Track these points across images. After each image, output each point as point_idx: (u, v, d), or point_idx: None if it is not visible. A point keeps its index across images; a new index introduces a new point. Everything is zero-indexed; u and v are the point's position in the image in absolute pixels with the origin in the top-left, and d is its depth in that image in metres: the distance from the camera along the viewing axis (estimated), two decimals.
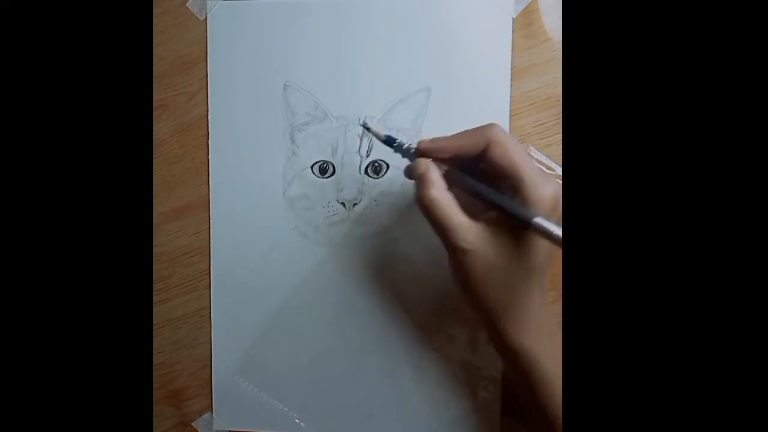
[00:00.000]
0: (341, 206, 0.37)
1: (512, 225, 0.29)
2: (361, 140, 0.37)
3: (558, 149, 0.36)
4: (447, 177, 0.30)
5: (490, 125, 0.30)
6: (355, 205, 0.37)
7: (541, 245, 0.29)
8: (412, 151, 0.31)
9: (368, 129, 0.33)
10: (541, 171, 0.30)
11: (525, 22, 0.36)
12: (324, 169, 0.37)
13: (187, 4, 0.38)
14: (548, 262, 0.30)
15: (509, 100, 0.36)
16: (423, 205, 0.29)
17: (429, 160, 0.30)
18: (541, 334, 0.30)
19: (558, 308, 0.36)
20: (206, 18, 0.38)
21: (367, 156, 0.37)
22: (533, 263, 0.29)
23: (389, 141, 0.32)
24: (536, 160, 0.36)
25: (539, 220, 0.27)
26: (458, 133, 0.30)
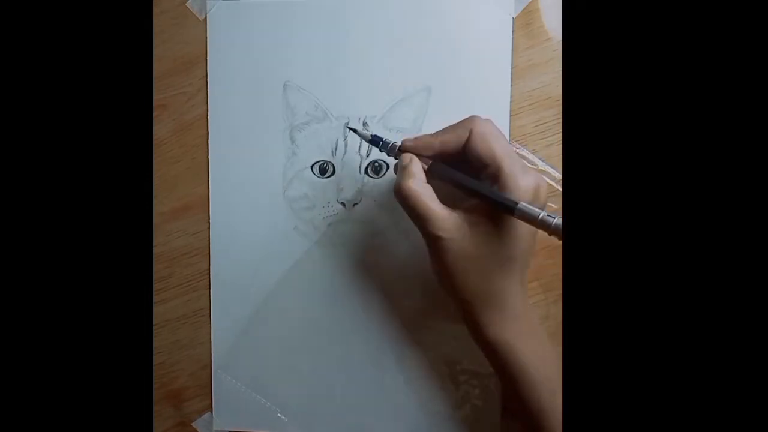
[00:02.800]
0: (341, 206, 0.37)
1: (492, 213, 0.29)
2: (360, 140, 0.37)
3: (558, 149, 0.36)
4: (429, 171, 0.31)
5: (472, 117, 0.30)
6: (355, 205, 0.37)
7: (520, 235, 0.29)
8: (398, 148, 0.32)
9: (354, 130, 0.34)
10: (523, 163, 0.30)
11: (525, 22, 0.36)
12: (324, 169, 0.37)
13: (186, 4, 0.38)
14: (527, 254, 0.30)
15: (509, 100, 0.36)
16: (399, 195, 0.30)
17: (412, 154, 0.31)
18: (520, 327, 0.30)
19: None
20: (206, 18, 0.38)
21: (367, 156, 0.37)
22: (511, 252, 0.29)
23: (375, 140, 0.33)
24: (518, 154, 0.36)
25: (523, 206, 0.27)
26: (441, 129, 0.31)
